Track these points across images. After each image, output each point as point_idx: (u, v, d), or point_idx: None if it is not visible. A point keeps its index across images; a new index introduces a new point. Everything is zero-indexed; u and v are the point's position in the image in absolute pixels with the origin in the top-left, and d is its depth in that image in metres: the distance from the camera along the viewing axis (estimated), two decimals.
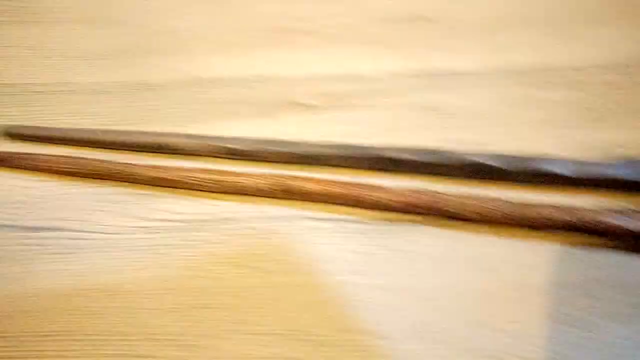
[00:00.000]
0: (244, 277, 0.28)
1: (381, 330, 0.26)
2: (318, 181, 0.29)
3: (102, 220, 0.30)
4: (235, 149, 0.32)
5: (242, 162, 0.32)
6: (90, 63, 0.37)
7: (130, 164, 0.31)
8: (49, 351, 0.26)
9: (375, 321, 0.26)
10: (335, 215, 0.29)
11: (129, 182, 0.31)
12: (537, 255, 0.28)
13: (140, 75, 0.36)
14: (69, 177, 0.31)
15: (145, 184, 0.31)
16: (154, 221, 0.30)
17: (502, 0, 0.38)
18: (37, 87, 0.36)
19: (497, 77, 0.35)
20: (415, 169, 0.30)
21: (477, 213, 0.27)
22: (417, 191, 0.28)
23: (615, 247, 0.27)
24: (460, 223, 0.28)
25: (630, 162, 0.28)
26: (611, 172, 0.28)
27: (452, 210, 0.28)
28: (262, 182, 0.30)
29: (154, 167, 0.31)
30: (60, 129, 0.33)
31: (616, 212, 0.26)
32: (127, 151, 0.33)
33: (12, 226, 0.30)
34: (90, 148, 0.33)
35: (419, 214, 0.28)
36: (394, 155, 0.30)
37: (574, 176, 0.29)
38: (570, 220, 0.27)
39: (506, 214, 0.27)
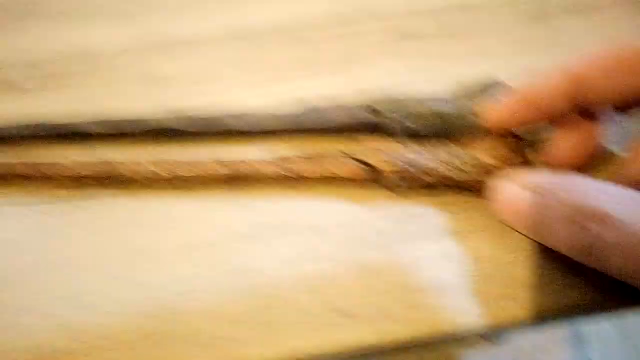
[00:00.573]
0: None
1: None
2: None
3: None
4: None
5: None
6: None
7: None
8: None
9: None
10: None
11: None
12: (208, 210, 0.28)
13: None
14: None
15: None
16: None
17: None
18: None
19: (226, 40, 0.35)
20: (100, 140, 0.30)
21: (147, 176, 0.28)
22: (97, 162, 0.28)
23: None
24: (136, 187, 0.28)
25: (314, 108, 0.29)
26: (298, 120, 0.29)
27: (127, 175, 0.28)
28: None
29: None
30: None
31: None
32: None
33: None
34: None
35: (99, 184, 0.28)
36: (82, 128, 0.29)
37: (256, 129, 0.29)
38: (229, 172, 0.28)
39: (175, 174, 0.28)
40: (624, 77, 0.23)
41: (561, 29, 0.34)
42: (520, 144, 0.27)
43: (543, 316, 0.24)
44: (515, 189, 0.23)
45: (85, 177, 0.28)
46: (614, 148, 0.28)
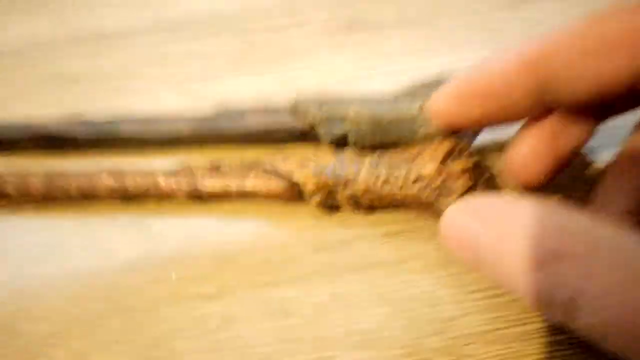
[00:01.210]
0: None
1: None
2: None
3: None
4: None
5: None
6: None
7: None
8: None
9: None
10: None
11: None
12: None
13: None
14: None
15: None
16: None
17: None
18: None
19: (148, 33, 0.30)
20: None
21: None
22: None
23: None
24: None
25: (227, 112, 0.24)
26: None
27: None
28: None
29: None
30: None
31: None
32: None
33: None
34: None
35: None
36: None
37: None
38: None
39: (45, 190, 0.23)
40: (609, 61, 0.16)
41: (538, 17, 0.29)
42: (476, 156, 0.21)
43: None
44: (461, 216, 0.18)
45: None
46: (591, 158, 0.23)
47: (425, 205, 0.21)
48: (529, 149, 0.20)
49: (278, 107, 0.24)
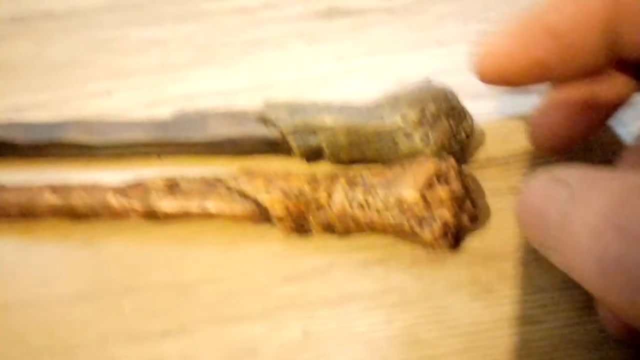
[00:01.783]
0: None
1: None
2: None
3: None
4: None
5: None
6: None
7: None
8: None
9: None
10: None
11: None
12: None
13: None
14: None
15: None
16: None
17: None
18: None
19: (102, 15, 0.27)
20: None
21: None
22: None
23: None
24: None
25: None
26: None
27: None
28: None
29: None
30: None
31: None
32: None
33: None
34: None
35: None
36: None
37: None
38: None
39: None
40: None
41: None
42: (463, 174, 0.19)
43: None
44: (541, 183, 0.14)
45: None
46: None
47: (406, 233, 0.19)
48: (563, 110, 0.18)
49: (245, 113, 0.21)
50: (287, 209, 0.19)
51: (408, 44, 0.25)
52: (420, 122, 0.20)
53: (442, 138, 0.19)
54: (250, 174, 0.19)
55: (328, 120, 0.20)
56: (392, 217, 0.18)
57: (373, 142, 0.20)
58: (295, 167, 0.21)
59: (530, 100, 0.21)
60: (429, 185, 0.18)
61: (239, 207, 0.19)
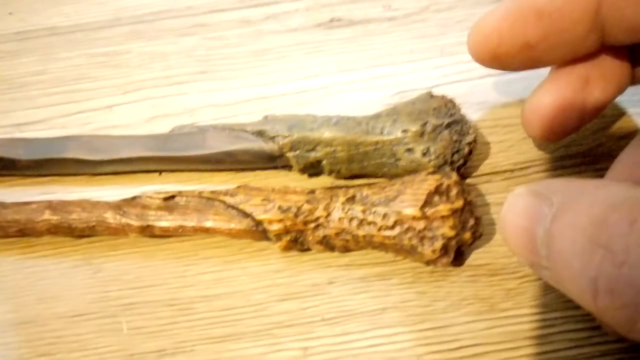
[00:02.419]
0: None
1: None
2: None
3: None
4: None
5: None
6: None
7: None
8: None
9: None
10: None
11: None
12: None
13: None
14: None
15: None
16: None
17: None
18: None
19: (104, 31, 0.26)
20: None
21: None
22: None
23: None
24: None
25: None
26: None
27: None
28: None
29: None
30: None
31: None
32: None
33: None
34: None
35: None
36: None
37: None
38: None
39: None
40: None
41: None
42: (466, 189, 0.19)
43: None
44: (522, 199, 0.14)
45: None
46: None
47: (406, 250, 0.18)
48: (556, 94, 0.18)
49: (243, 128, 0.21)
50: (284, 226, 0.18)
51: (411, 54, 0.24)
52: (422, 136, 0.19)
53: (444, 152, 0.19)
54: (247, 191, 0.19)
55: (327, 134, 0.20)
56: (392, 234, 0.18)
57: (373, 157, 0.20)
58: (294, 182, 0.21)
59: None
60: (430, 202, 0.18)
61: (237, 224, 0.19)
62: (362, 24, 0.25)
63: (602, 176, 0.17)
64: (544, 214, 0.13)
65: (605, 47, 0.18)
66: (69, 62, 0.25)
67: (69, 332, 0.19)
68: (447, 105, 0.20)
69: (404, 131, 0.19)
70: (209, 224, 0.19)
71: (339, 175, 0.20)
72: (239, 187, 0.20)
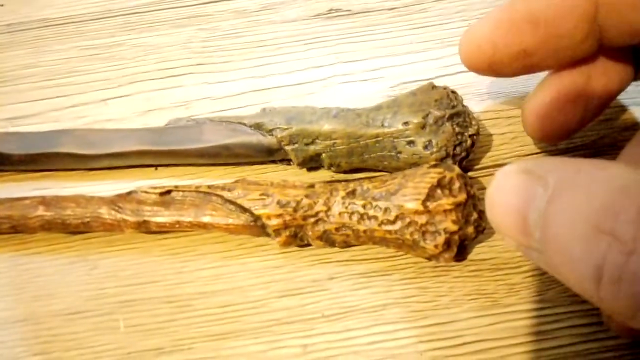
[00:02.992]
0: None
1: None
2: None
3: None
4: None
5: None
6: None
7: None
8: None
9: None
10: None
11: None
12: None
13: None
14: None
15: None
16: None
17: None
18: None
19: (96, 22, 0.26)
20: None
21: None
22: None
23: None
24: None
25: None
26: None
27: None
28: None
29: None
30: None
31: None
32: None
33: None
34: None
35: None
36: None
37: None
38: None
39: None
40: None
41: None
42: (469, 182, 0.18)
43: None
44: (513, 178, 0.13)
45: None
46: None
47: (408, 245, 0.18)
48: (557, 94, 0.18)
49: (241, 121, 0.20)
50: (283, 221, 0.18)
51: (411, 45, 0.24)
52: (423, 128, 0.19)
53: (446, 144, 0.19)
54: (245, 185, 0.19)
55: (327, 127, 0.19)
56: (393, 228, 0.17)
57: (374, 150, 0.19)
58: (293, 176, 0.20)
59: None
60: (432, 195, 0.17)
61: (235, 219, 0.19)
62: (361, 14, 0.25)
63: None
64: (539, 194, 0.12)
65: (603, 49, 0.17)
66: (61, 55, 0.25)
67: (65, 330, 0.18)
68: (449, 97, 0.19)
69: (405, 123, 0.19)
70: (206, 219, 0.19)
71: (338, 168, 0.20)
72: (236, 181, 0.19)
